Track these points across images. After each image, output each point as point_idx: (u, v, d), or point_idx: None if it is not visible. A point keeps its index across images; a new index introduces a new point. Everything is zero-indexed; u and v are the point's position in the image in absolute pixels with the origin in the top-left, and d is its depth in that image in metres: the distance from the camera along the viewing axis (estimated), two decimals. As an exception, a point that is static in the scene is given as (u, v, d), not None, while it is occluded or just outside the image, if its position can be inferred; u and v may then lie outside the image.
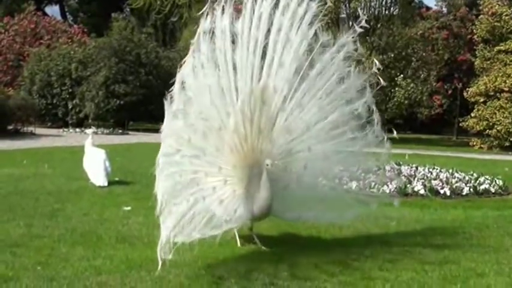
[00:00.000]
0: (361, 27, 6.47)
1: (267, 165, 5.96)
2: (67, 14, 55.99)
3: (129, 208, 8.69)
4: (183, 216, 5.80)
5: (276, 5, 6.34)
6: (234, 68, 6.22)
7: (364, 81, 6.52)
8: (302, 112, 6.31)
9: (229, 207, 6.07)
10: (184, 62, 6.32)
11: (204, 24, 6.32)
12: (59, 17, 50.51)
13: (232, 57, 6.23)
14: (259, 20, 6.31)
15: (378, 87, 6.65)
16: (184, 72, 6.26)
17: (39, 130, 29.14)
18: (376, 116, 6.54)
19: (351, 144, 6.61)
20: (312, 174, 6.51)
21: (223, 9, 6.32)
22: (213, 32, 6.30)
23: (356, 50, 6.51)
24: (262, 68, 6.23)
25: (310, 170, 6.39)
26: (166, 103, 6.19)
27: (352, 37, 6.50)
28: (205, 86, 6.20)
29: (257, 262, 5.98)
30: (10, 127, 27.47)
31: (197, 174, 6.18)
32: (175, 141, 6.24)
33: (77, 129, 30.58)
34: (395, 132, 7.10)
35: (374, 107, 6.57)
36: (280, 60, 6.26)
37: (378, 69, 6.59)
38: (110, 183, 11.03)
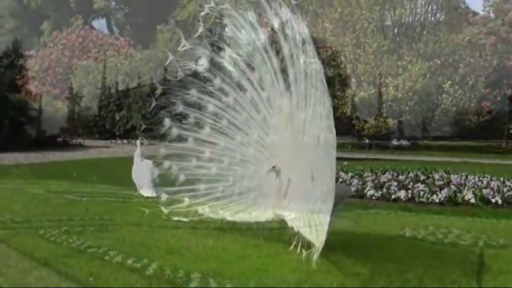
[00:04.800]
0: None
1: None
2: (114, 27, 56.93)
3: (177, 218, 8.73)
4: None
5: None
6: None
7: None
8: None
9: None
10: None
11: None
12: (105, 30, 51.43)
13: None
14: None
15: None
16: None
17: (87, 142, 29.61)
18: None
19: None
20: None
21: None
22: None
23: None
24: None
25: None
26: None
27: None
28: None
29: (306, 273, 5.93)
30: (59, 139, 28.02)
31: None
32: None
33: (124, 141, 30.97)
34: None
35: None
36: None
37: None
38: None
